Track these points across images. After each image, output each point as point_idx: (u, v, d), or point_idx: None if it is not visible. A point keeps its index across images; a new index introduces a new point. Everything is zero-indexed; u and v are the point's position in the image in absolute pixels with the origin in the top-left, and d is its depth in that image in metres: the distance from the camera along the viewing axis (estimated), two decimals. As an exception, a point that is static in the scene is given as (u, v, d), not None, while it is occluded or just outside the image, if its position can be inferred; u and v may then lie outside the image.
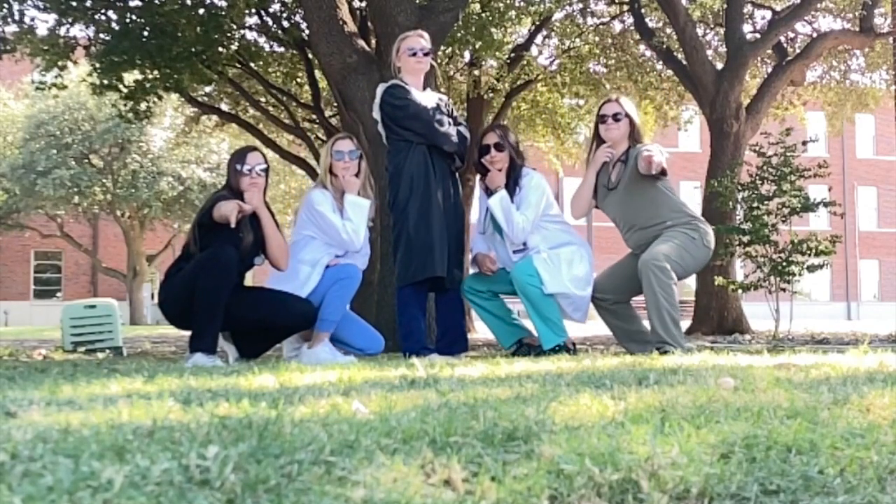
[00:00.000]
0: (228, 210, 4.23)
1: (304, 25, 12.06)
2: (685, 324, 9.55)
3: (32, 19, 14.85)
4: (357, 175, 4.97)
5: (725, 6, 14.07)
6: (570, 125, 17.91)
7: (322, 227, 4.88)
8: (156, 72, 11.91)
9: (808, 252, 9.57)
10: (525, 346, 5.02)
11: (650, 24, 15.27)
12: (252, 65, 14.05)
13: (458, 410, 1.97)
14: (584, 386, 2.51)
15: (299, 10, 11.81)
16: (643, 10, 14.91)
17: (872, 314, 38.62)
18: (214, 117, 18.27)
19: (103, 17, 11.68)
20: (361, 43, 7.19)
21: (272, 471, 1.38)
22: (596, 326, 7.30)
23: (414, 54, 4.98)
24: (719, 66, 14.08)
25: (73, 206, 29.08)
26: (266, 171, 4.68)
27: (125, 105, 12.47)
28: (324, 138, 15.68)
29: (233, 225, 4.22)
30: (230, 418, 1.79)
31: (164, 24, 10.96)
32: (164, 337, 13.33)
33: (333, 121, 14.82)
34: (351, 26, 7.25)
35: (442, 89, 9.31)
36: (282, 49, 14.38)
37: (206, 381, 2.75)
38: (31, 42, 12.01)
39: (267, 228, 4.63)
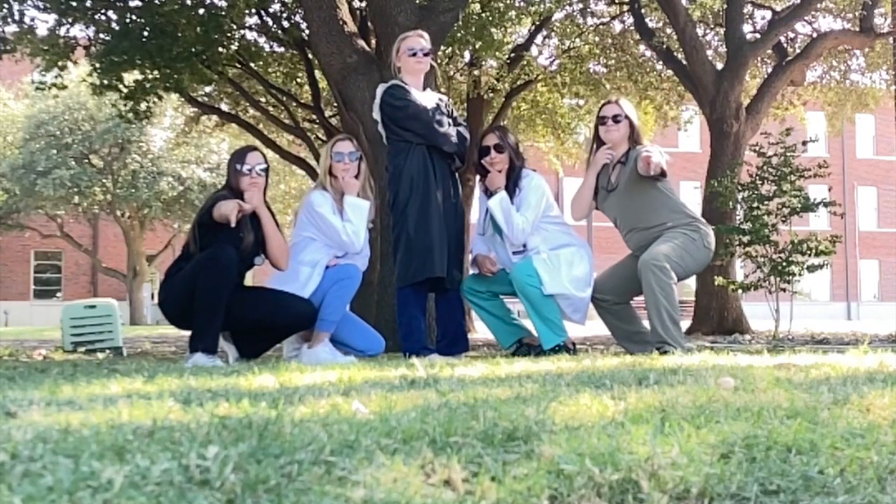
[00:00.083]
0: (228, 209, 4.23)
1: (304, 25, 12.06)
2: (685, 324, 9.55)
3: (32, 19, 14.88)
4: (357, 177, 4.96)
5: (725, 6, 14.07)
6: (570, 125, 17.91)
7: (322, 229, 4.87)
8: (156, 72, 11.91)
9: (808, 252, 9.57)
10: (525, 346, 5.02)
11: (650, 24, 15.27)
12: (252, 65, 14.05)
13: (458, 410, 1.97)
14: (584, 386, 2.51)
15: (299, 10, 11.81)
16: (643, 10, 14.92)
17: (872, 314, 38.62)
18: (214, 117, 18.27)
19: (103, 17, 11.68)
20: (361, 43, 7.20)
21: (272, 471, 1.38)
22: (596, 326, 7.30)
23: (414, 54, 4.98)
24: (719, 66, 14.08)
25: (73, 206, 29.08)
26: (266, 170, 4.68)
27: (125, 105, 12.47)
28: (324, 138, 15.69)
29: (233, 224, 4.22)
30: (230, 418, 1.79)
31: (164, 24, 10.96)
32: (164, 337, 13.33)
33: (333, 121, 14.82)
34: (351, 26, 7.25)
35: (442, 89, 9.31)
36: (282, 49, 14.37)
37: (206, 381, 2.75)
38: (31, 42, 12.01)
39: (267, 228, 4.63)
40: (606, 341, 7.97)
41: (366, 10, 10.56)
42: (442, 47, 9.19)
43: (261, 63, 14.13)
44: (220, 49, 12.37)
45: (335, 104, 13.31)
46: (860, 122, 32.20)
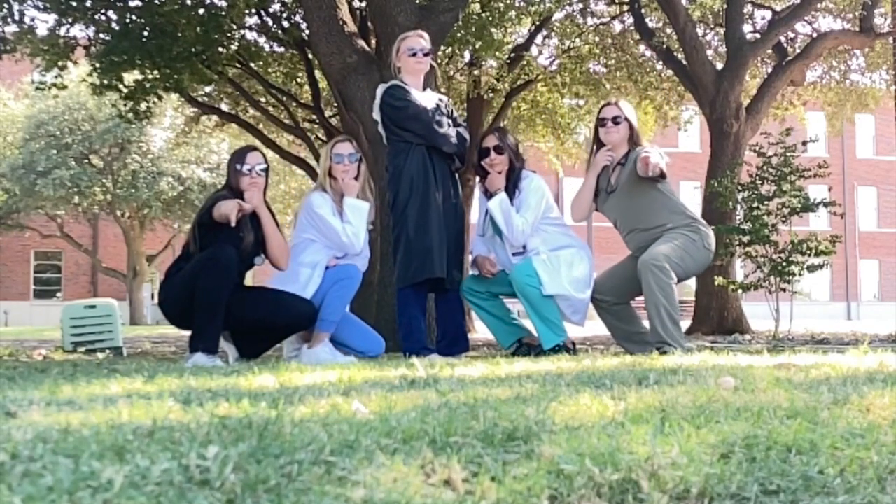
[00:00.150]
0: (228, 209, 4.23)
1: (304, 25, 12.06)
2: (685, 324, 9.55)
3: (32, 19, 14.88)
4: (356, 178, 4.96)
5: (725, 6, 14.07)
6: (570, 125, 17.91)
7: (322, 231, 4.87)
8: (156, 72, 11.91)
9: (808, 252, 9.57)
10: (525, 346, 5.02)
11: (650, 24, 15.27)
12: (252, 65, 14.04)
13: (458, 410, 1.97)
14: (584, 386, 2.51)
15: (299, 10, 11.81)
16: (643, 10, 14.92)
17: (872, 314, 38.62)
18: (214, 117, 18.27)
19: (103, 17, 11.68)
20: (361, 43, 7.20)
21: (272, 471, 1.38)
22: (596, 326, 7.30)
23: (414, 54, 4.98)
24: (719, 66, 14.08)
25: (73, 206, 29.08)
26: (266, 170, 4.69)
27: (125, 105, 12.47)
28: (324, 138, 15.69)
29: (233, 224, 4.22)
30: (230, 418, 1.79)
31: (164, 24, 10.96)
32: (164, 337, 13.34)
33: (333, 121, 14.82)
34: (351, 26, 7.25)
35: (442, 89, 9.31)
36: (282, 49, 14.37)
37: (206, 381, 2.75)
38: (31, 42, 12.01)
39: (267, 228, 4.64)
40: (606, 341, 7.97)
41: (366, 10, 10.57)
42: (442, 47, 9.19)
43: (261, 63, 14.13)
44: (220, 49, 12.37)
45: (335, 104, 13.30)
46: (860, 122, 32.21)
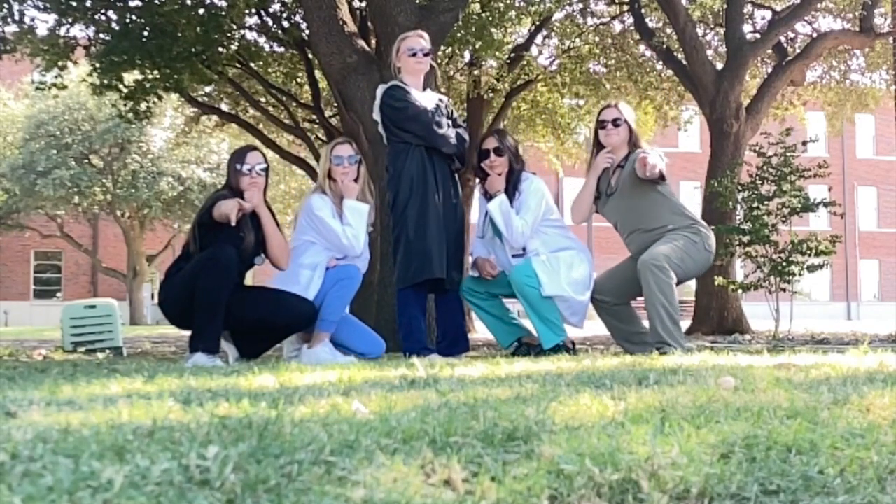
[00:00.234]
0: (229, 208, 4.23)
1: (304, 25, 12.06)
2: (685, 324, 9.55)
3: (32, 19, 14.88)
4: (356, 180, 4.96)
5: (725, 6, 14.08)
6: (570, 125, 17.91)
7: (322, 233, 4.87)
8: (156, 72, 11.91)
9: (808, 252, 9.57)
10: (525, 346, 5.02)
11: (650, 25, 15.28)
12: (252, 65, 14.05)
13: (458, 410, 1.97)
14: (584, 386, 2.51)
15: (299, 10, 11.81)
16: (643, 10, 14.92)
17: (872, 314, 38.62)
18: (214, 117, 18.28)
19: (103, 17, 11.68)
20: (361, 43, 7.20)
21: (272, 471, 1.38)
22: (596, 326, 7.30)
23: (414, 55, 4.98)
24: (719, 66, 14.09)
25: (73, 206, 29.08)
26: (266, 170, 4.69)
27: (125, 105, 12.47)
28: (324, 138, 15.69)
29: (233, 223, 4.22)
30: (230, 418, 1.79)
31: (164, 24, 10.96)
32: (164, 337, 13.34)
33: (333, 121, 14.82)
34: (351, 26, 7.25)
35: (442, 89, 9.31)
36: (282, 49, 14.38)
37: (206, 381, 2.75)
38: (31, 42, 12.01)
39: (267, 227, 4.64)
40: (606, 341, 7.97)
41: (366, 10, 10.57)
42: (442, 47, 9.19)
43: (261, 63, 14.13)
44: (220, 49, 12.38)
45: (335, 104, 13.31)
46: (860, 122, 32.20)
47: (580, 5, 15.68)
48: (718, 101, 12.99)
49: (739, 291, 10.74)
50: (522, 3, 13.37)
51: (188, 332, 4.44)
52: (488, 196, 5.02)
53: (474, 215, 5.96)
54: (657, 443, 1.63)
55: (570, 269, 4.85)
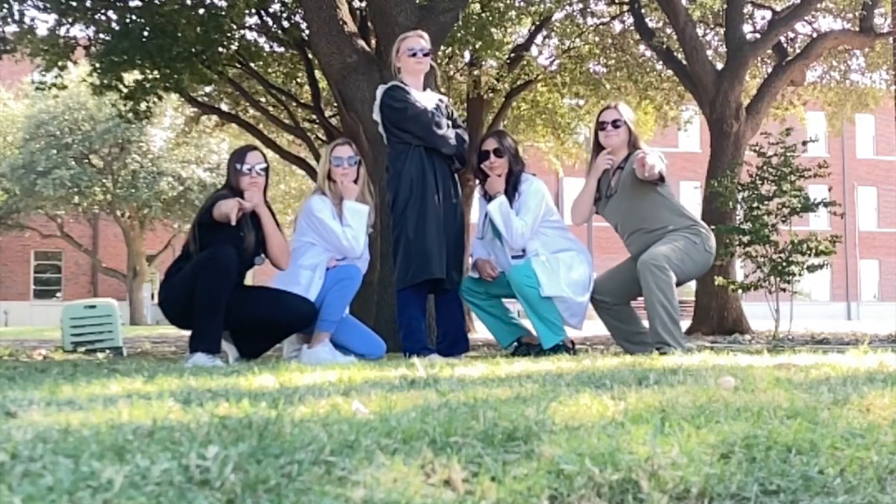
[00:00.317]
0: (229, 208, 4.23)
1: (304, 25, 12.06)
2: (685, 324, 9.55)
3: (32, 19, 14.85)
4: (356, 181, 4.96)
5: (725, 6, 14.08)
6: (570, 125, 17.92)
7: (322, 234, 4.87)
8: (156, 72, 11.92)
9: (808, 252, 9.57)
10: (524, 346, 5.02)
11: (650, 24, 15.28)
12: (252, 65, 14.05)
13: (458, 410, 1.97)
14: (584, 386, 2.51)
15: (299, 10, 11.82)
16: (643, 10, 14.92)
17: (872, 314, 38.62)
18: (214, 117, 18.28)
19: (103, 17, 11.68)
20: (361, 43, 7.20)
21: (272, 471, 1.38)
22: (596, 326, 7.31)
23: (414, 55, 4.98)
24: (719, 66, 14.09)
25: (73, 206, 29.08)
26: (266, 170, 4.69)
27: (125, 105, 12.47)
28: (324, 138, 15.69)
29: (233, 223, 4.22)
30: (230, 418, 1.79)
31: (164, 24, 10.96)
32: (164, 337, 13.34)
33: (333, 121, 14.82)
34: (351, 26, 7.25)
35: (442, 89, 9.31)
36: (282, 49, 14.38)
37: (206, 381, 2.75)
38: (31, 42, 12.01)
39: (267, 227, 4.64)
40: (606, 341, 7.97)
41: (366, 10, 10.57)
42: (442, 47, 9.19)
43: (261, 63, 14.14)
44: (220, 49, 12.38)
45: (335, 104, 13.31)
46: (860, 122, 32.20)
47: (580, 5, 15.68)
48: (718, 101, 12.99)
49: (739, 291, 10.74)
50: (522, 3, 13.38)
51: (188, 332, 4.44)
52: (488, 197, 5.02)
53: (474, 215, 5.96)
54: (657, 443, 1.63)
55: (570, 271, 4.85)
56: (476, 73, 14.00)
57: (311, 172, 15.51)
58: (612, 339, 5.41)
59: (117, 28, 11.45)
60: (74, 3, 11.29)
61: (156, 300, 5.63)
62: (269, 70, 14.76)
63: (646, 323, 4.83)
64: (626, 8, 15.42)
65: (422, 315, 4.92)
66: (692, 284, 13.51)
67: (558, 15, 15.44)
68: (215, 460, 1.40)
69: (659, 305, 4.56)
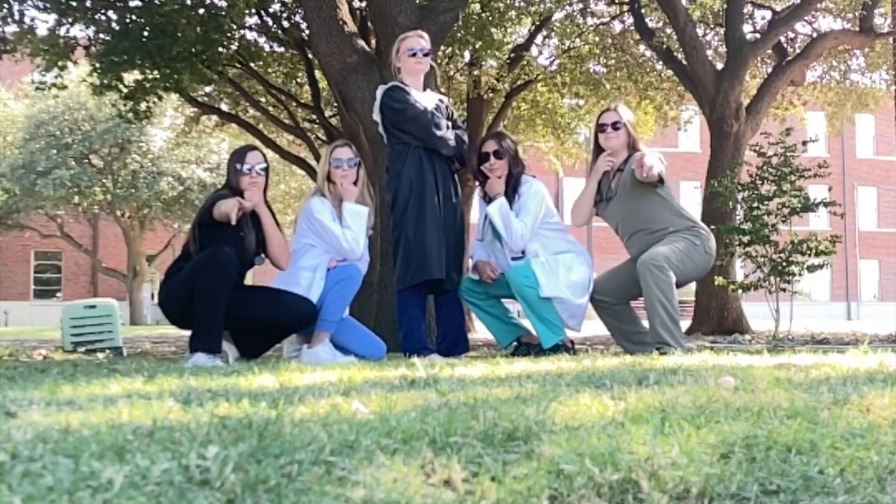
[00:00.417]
0: (229, 208, 4.23)
1: (304, 25, 12.06)
2: (685, 324, 9.55)
3: (32, 19, 14.84)
4: (355, 183, 4.96)
5: (725, 6, 14.08)
6: (570, 125, 17.92)
7: (322, 236, 4.87)
8: (156, 72, 11.92)
9: (808, 252, 9.58)
10: (524, 346, 5.02)
11: (650, 25, 15.28)
12: (252, 65, 14.05)
13: (458, 410, 1.97)
14: (584, 386, 2.51)
15: (299, 10, 11.82)
16: (643, 10, 14.92)
17: (872, 314, 38.62)
18: (214, 117, 18.28)
19: (103, 17, 11.68)
20: (361, 43, 7.20)
21: (272, 471, 1.38)
22: (596, 326, 7.31)
23: (414, 55, 4.98)
24: (719, 66, 14.09)
25: (73, 206, 29.08)
26: (266, 170, 4.69)
27: (125, 105, 12.47)
28: (324, 138, 15.69)
29: (233, 222, 4.22)
30: (230, 418, 1.79)
31: (164, 24, 10.97)
32: (164, 337, 13.33)
33: (333, 121, 14.82)
34: (351, 26, 7.25)
35: (442, 89, 9.32)
36: (282, 49, 14.38)
37: (206, 381, 2.75)
38: (31, 42, 12.02)
39: (267, 227, 4.64)
40: (606, 341, 7.97)
41: (366, 10, 10.57)
42: (442, 47, 9.19)
43: (261, 63, 14.14)
44: (220, 49, 12.38)
45: (335, 104, 13.31)
46: (860, 122, 32.21)
47: (580, 5, 15.68)
48: (718, 101, 12.99)
49: (739, 291, 10.74)
50: (522, 3, 13.38)
51: (188, 332, 4.44)
52: (488, 199, 5.02)
53: (474, 216, 5.96)
54: (657, 443, 1.63)
55: (569, 272, 4.85)
56: (476, 73, 14.00)
57: (311, 172, 15.51)
58: (613, 338, 5.41)
59: (117, 28, 11.45)
60: (74, 3, 11.29)
61: (156, 300, 5.63)
62: (269, 70, 14.77)
63: (646, 323, 4.83)
64: (626, 8, 15.42)
65: (422, 315, 4.92)
66: (692, 284, 13.51)
67: (558, 15, 15.44)
68: (215, 460, 1.40)
69: (659, 305, 4.56)
